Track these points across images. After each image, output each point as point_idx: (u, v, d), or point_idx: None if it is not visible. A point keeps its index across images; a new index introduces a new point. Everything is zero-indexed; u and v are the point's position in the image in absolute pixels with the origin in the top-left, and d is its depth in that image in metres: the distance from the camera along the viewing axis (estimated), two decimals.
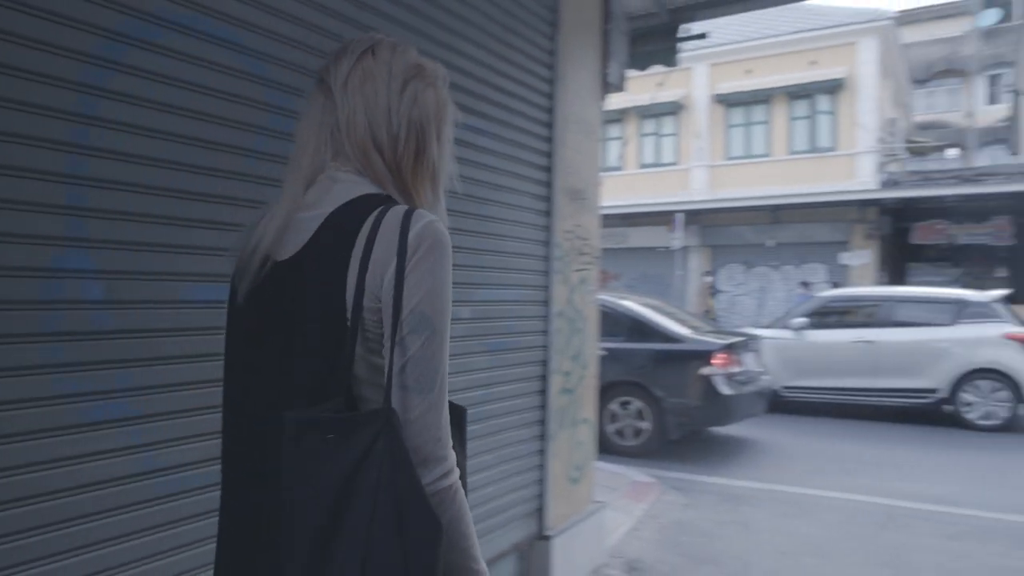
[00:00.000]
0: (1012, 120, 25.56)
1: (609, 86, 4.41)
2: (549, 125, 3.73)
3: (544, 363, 3.71)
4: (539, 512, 3.72)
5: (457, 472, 0.99)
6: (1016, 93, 23.94)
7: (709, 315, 17.17)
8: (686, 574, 4.21)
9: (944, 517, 5.29)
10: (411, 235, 0.97)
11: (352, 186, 1.05)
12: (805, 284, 17.14)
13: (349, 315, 0.97)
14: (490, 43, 3.24)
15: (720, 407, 6.96)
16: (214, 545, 1.14)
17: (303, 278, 1.01)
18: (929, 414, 9.18)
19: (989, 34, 29.01)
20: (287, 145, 1.21)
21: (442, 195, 1.15)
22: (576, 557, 3.93)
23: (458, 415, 1.09)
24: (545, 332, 3.72)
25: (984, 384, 8.81)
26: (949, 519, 5.25)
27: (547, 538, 3.70)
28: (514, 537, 3.53)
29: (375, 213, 1.00)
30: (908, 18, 26.62)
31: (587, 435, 4.19)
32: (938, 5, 32.10)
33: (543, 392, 3.71)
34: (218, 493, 1.15)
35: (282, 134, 2.08)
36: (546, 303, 3.71)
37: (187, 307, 1.90)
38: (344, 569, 0.90)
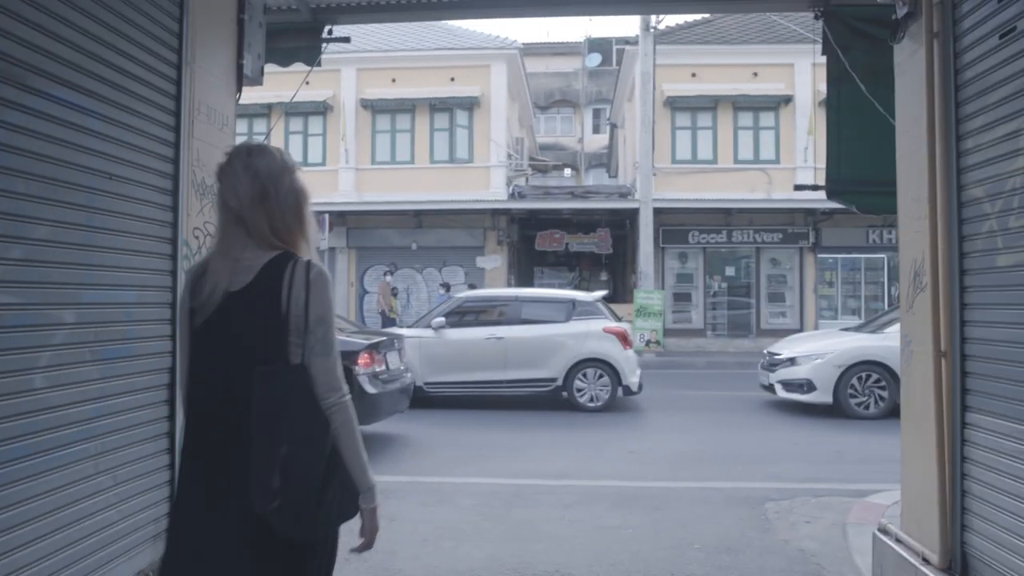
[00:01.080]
0: (610, 148, 30.23)
1: (246, 78, 4.22)
2: (176, 114, 3.44)
3: (171, 371, 3.41)
4: None
5: (349, 395, 1.85)
6: (613, 126, 28.34)
7: (392, 314, 17.36)
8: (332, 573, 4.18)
9: (561, 489, 6.02)
10: (311, 276, 1.83)
11: (272, 250, 1.86)
12: (445, 286, 18.25)
13: (283, 318, 1.80)
14: (103, 15, 2.89)
15: (365, 406, 7.05)
16: None
17: (253, 299, 1.82)
18: (550, 400, 10.40)
19: (594, 74, 33.94)
20: None
21: (312, 241, 1.97)
22: None
23: (347, 370, 2.56)
24: (172, 337, 3.42)
25: (591, 372, 10.24)
26: (564, 491, 5.98)
27: None
28: (139, 564, 3.19)
29: (291, 263, 1.84)
30: (531, 51, 29.85)
31: None
32: (556, 43, 36.65)
33: (170, 402, 3.41)
34: None
35: None
36: (173, 305, 3.42)
37: None
38: (291, 430, 1.75)
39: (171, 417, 3.42)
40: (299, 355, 1.81)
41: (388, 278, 18.67)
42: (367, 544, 1.90)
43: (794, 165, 18.86)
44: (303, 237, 1.92)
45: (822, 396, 9.56)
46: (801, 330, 17.84)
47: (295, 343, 1.81)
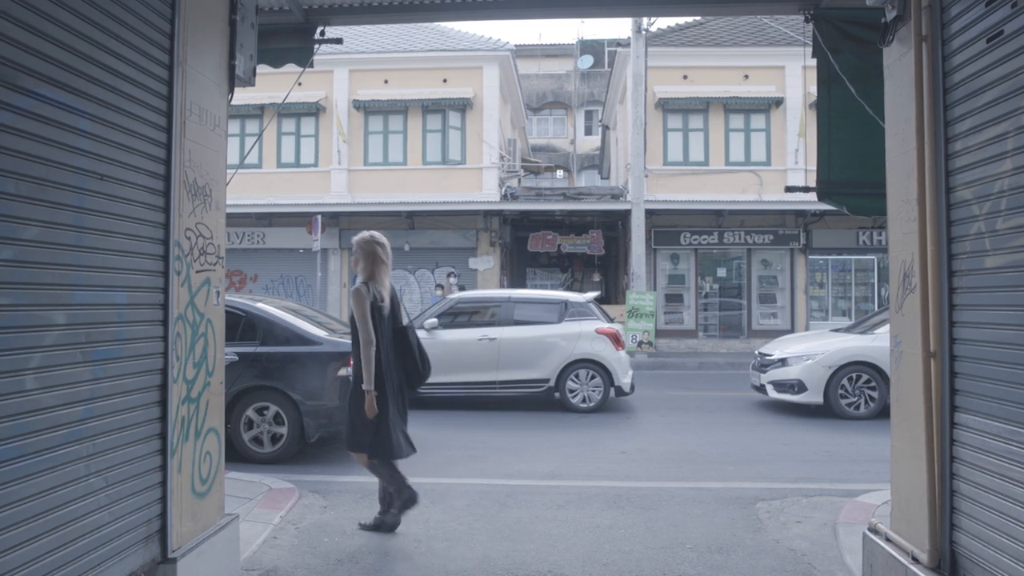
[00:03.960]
0: (602, 150, 30.25)
1: (238, 79, 4.21)
2: (167, 114, 3.44)
3: (163, 371, 3.40)
4: (161, 533, 3.41)
5: None
6: (605, 128, 28.37)
7: None
8: (325, 575, 4.19)
9: (553, 490, 6.04)
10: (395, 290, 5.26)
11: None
12: (441, 287, 18.24)
13: (398, 307, 5.07)
14: (94, 14, 2.88)
15: None
16: None
17: (395, 300, 5.05)
18: (543, 401, 10.41)
19: (586, 76, 34.02)
20: None
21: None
22: None
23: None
24: (164, 338, 3.41)
25: (583, 372, 10.26)
26: (557, 491, 6.00)
27: (172, 561, 3.41)
28: (131, 565, 3.17)
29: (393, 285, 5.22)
30: (523, 52, 29.87)
31: (214, 445, 3.95)
32: (548, 45, 36.70)
33: (162, 403, 3.41)
34: None
35: None
36: (164, 306, 3.41)
37: None
38: (425, 350, 5.16)
39: (163, 418, 3.41)
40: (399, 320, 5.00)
41: (453, 280, 18.71)
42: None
43: (785, 167, 18.95)
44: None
45: (813, 396, 9.61)
46: (792, 331, 17.92)
47: (400, 317, 4.96)
